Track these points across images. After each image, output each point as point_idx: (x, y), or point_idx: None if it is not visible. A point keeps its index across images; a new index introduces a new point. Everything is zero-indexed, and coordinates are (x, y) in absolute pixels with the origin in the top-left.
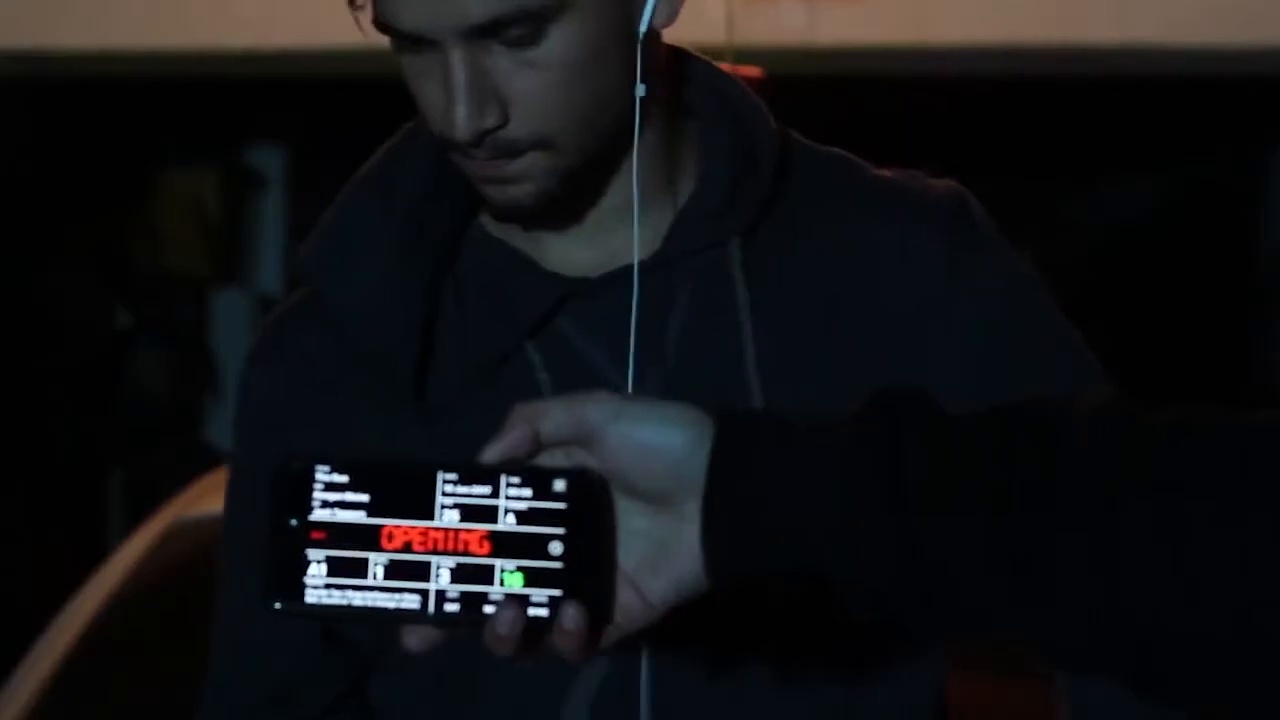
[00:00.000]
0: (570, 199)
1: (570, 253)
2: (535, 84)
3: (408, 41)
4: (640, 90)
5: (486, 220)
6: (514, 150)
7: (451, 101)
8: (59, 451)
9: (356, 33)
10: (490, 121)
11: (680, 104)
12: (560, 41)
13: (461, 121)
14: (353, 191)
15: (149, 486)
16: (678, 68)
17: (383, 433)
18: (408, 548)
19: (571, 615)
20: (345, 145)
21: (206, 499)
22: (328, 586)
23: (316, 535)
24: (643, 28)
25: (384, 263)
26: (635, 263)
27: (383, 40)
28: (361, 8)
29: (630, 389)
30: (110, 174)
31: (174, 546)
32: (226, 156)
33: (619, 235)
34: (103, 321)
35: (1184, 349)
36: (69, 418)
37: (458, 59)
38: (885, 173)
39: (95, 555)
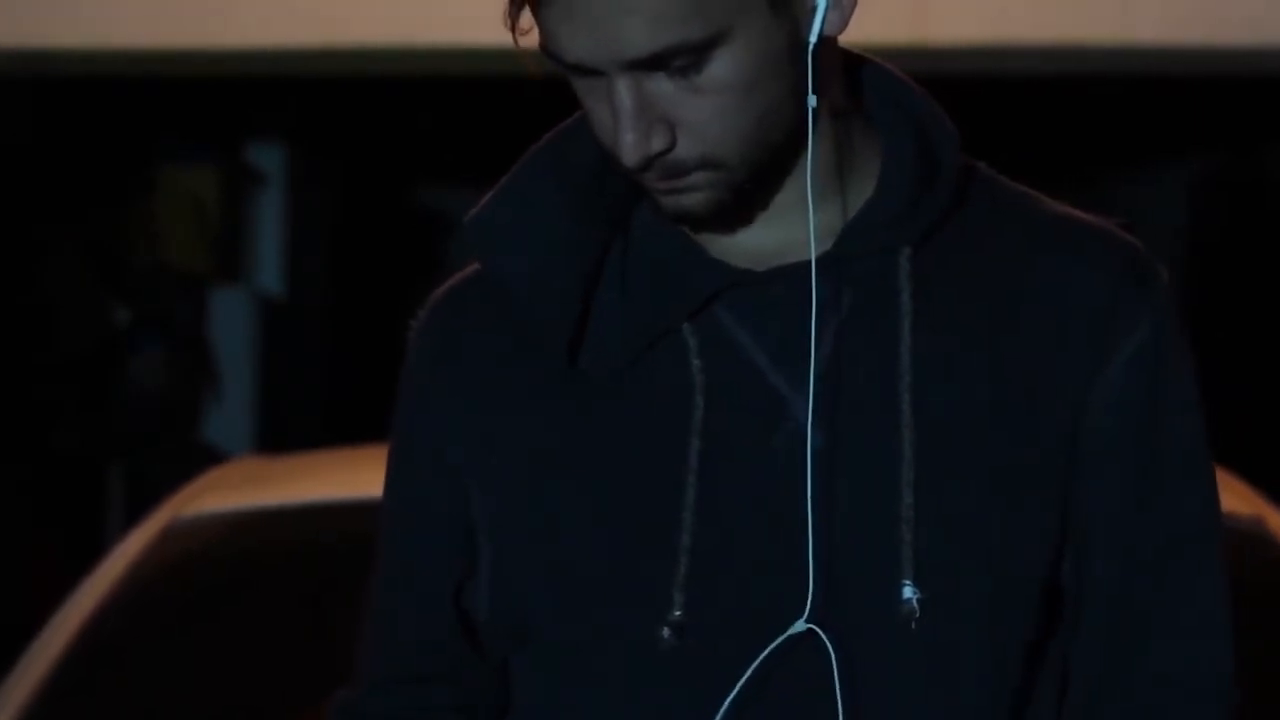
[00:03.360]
0: (740, 204)
1: (737, 244)
2: (702, 109)
3: (574, 70)
4: (812, 101)
5: None
6: (683, 170)
7: (619, 128)
8: (57, 448)
9: (356, 32)
10: (658, 146)
11: (855, 108)
12: (724, 66)
13: (628, 148)
14: (528, 161)
15: (147, 484)
16: (854, 72)
17: (533, 405)
18: None
19: None
20: (345, 143)
21: (204, 498)
22: None
23: None
24: (812, 38)
25: (552, 231)
26: (813, 261)
27: (383, 40)
28: (526, 33)
29: (813, 386)
30: (110, 171)
31: (171, 545)
32: (226, 154)
33: (786, 232)
34: (101, 319)
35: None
36: (67, 415)
37: (622, 89)
38: (1071, 211)
39: (93, 553)
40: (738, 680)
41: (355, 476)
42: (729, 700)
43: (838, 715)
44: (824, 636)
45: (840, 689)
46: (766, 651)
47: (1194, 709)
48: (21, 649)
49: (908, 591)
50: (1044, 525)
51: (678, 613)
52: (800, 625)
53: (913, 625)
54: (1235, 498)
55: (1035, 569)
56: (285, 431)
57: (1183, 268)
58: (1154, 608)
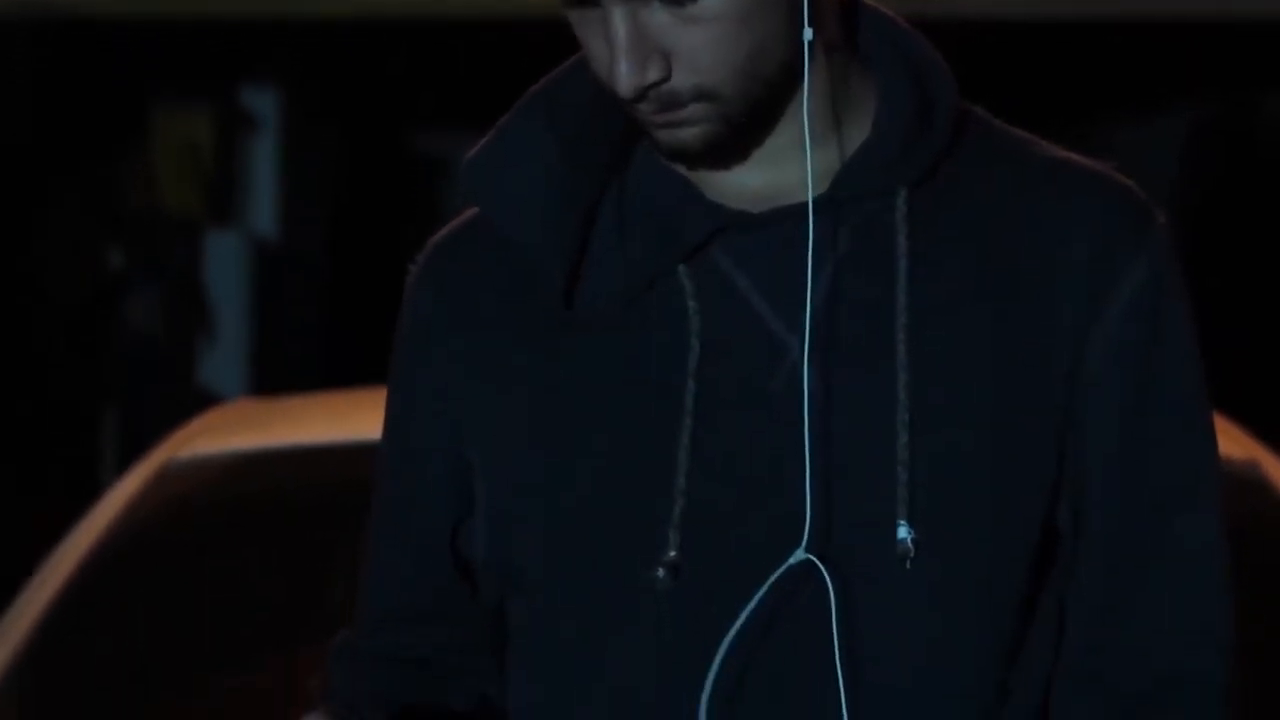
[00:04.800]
0: (736, 141)
1: (733, 185)
2: (696, 38)
3: (571, 1)
4: (808, 34)
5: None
6: (678, 102)
7: (614, 59)
8: (52, 392)
9: None
10: (652, 76)
11: (851, 49)
12: None
13: (624, 78)
14: (523, 105)
15: (142, 428)
16: (850, 15)
17: (530, 348)
18: None
19: None
20: (340, 87)
21: (198, 440)
22: None
23: None
24: None
25: (548, 175)
26: (810, 197)
27: None
28: None
29: (809, 324)
30: (104, 115)
31: (165, 488)
32: (221, 98)
33: (783, 173)
34: (96, 262)
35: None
36: (62, 359)
37: (618, 17)
38: (1069, 155)
39: (88, 497)
40: (733, 620)
41: (351, 419)
42: (732, 633)
43: (834, 651)
44: (822, 568)
45: (837, 625)
46: (769, 583)
47: (1193, 659)
48: (16, 591)
49: (902, 532)
50: (1041, 469)
51: (673, 553)
52: (799, 555)
53: (908, 565)
54: (1231, 442)
55: (1031, 513)
56: (280, 375)
57: (1177, 215)
58: (1151, 557)
